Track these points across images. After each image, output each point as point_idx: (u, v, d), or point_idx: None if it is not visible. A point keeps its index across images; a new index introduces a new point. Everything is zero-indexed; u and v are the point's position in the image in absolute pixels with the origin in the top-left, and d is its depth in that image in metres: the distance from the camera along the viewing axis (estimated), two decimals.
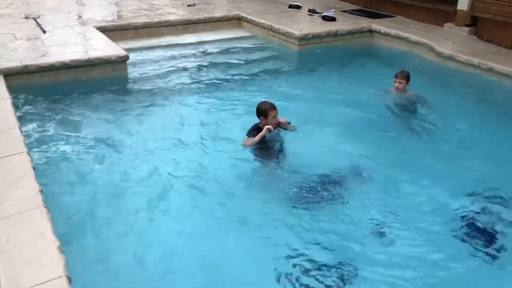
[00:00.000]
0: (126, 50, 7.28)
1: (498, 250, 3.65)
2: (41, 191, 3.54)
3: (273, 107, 4.78)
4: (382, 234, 3.80)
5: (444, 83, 7.04)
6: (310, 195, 4.21)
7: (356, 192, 4.31)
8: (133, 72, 7.13)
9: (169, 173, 4.50)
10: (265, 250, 3.60)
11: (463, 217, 4.03)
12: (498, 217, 4.03)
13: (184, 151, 4.95)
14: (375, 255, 3.57)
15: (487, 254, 3.60)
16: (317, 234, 3.75)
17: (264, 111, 4.77)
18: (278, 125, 4.90)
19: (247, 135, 4.91)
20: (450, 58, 7.42)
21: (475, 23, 8.37)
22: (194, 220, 3.92)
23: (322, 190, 4.28)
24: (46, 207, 3.33)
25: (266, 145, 4.81)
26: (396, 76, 6.07)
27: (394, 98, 6.15)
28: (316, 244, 3.64)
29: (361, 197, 4.25)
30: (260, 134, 4.72)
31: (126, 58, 6.80)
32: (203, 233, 3.76)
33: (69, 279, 2.69)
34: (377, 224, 3.90)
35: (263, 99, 5.07)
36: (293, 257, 3.50)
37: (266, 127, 4.70)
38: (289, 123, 5.04)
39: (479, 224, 3.94)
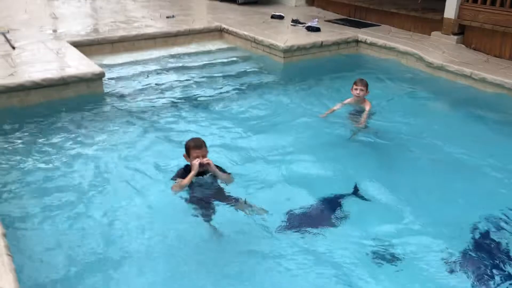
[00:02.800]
0: (102, 66, 6.92)
1: None
2: (4, 235, 3.11)
3: (197, 145, 3.91)
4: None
5: (437, 94, 6.82)
6: None
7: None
8: (109, 89, 6.71)
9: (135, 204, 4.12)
10: None
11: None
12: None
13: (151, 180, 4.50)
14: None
15: None
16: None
17: (186, 148, 3.98)
18: (201, 167, 3.91)
19: (172, 178, 4.07)
20: (440, 68, 7.19)
21: (462, 31, 8.18)
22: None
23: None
24: (9, 255, 2.91)
25: (198, 193, 3.99)
26: (356, 84, 5.79)
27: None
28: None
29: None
30: (189, 175, 3.85)
31: (102, 75, 6.39)
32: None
33: None
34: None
35: (245, 116, 4.63)
36: None
37: (194, 164, 3.84)
38: (221, 169, 4.07)
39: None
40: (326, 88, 7.05)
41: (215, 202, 3.95)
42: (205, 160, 3.88)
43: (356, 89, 5.75)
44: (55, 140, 5.23)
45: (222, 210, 3.91)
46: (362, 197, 4.33)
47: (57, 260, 3.45)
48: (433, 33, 8.56)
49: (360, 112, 5.83)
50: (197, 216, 3.87)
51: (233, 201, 3.96)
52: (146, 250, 3.59)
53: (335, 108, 5.94)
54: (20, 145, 5.07)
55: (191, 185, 3.92)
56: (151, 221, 3.89)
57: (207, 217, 3.87)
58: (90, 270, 3.37)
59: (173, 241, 3.69)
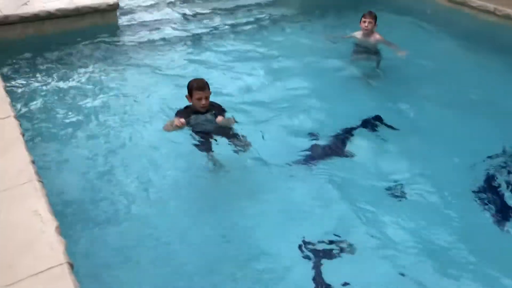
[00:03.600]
0: None
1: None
2: (33, 162, 3.19)
3: (199, 87, 3.80)
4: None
5: (456, 31, 6.63)
6: None
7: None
8: (123, 20, 6.60)
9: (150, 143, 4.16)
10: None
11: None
12: None
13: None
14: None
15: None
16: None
17: (189, 89, 3.87)
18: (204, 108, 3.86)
19: (175, 114, 3.95)
20: (462, 3, 6.96)
21: None
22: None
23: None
24: (40, 181, 3.00)
25: (199, 132, 3.95)
26: (364, 16, 5.61)
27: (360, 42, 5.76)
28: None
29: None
30: (174, 124, 3.74)
31: (116, 6, 6.28)
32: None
33: (71, 266, 2.41)
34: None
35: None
36: None
37: (175, 123, 3.73)
38: (223, 110, 3.97)
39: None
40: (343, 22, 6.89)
41: (216, 137, 3.96)
42: (205, 103, 3.80)
43: (364, 21, 5.58)
44: (68, 71, 5.26)
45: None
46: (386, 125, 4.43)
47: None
48: None
49: (367, 48, 5.69)
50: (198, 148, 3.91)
51: (233, 137, 3.98)
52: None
53: (345, 36, 5.89)
54: (38, 75, 5.10)
55: (190, 122, 3.87)
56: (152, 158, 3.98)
57: (207, 149, 3.91)
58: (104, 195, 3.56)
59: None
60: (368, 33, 5.62)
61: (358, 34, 5.73)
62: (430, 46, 6.30)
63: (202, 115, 3.89)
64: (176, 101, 4.33)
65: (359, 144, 4.20)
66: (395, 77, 5.44)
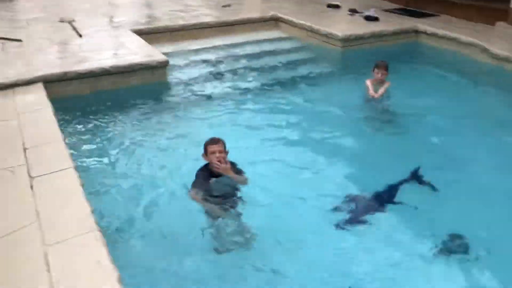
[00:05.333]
0: (163, 54, 7.05)
1: None
2: (92, 212, 3.28)
3: (213, 141, 3.82)
4: None
5: (502, 86, 6.62)
6: None
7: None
8: (171, 78, 6.88)
9: None
10: None
11: None
12: None
13: None
14: None
15: None
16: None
17: (204, 147, 3.87)
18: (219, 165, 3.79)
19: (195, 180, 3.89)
20: (507, 60, 6.96)
21: None
22: None
23: None
24: (100, 231, 3.07)
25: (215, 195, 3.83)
26: (378, 67, 5.94)
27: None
28: None
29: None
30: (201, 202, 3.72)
31: (166, 63, 6.55)
32: None
33: None
34: None
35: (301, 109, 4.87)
36: None
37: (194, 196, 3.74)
38: (237, 168, 3.93)
39: None
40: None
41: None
42: (222, 160, 3.75)
43: (378, 72, 5.92)
44: (120, 126, 5.44)
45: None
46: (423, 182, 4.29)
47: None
48: (497, 23, 8.27)
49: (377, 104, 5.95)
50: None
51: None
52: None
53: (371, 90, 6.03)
54: (94, 129, 5.31)
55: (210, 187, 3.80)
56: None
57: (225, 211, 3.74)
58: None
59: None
60: (381, 81, 5.96)
61: (372, 82, 6.03)
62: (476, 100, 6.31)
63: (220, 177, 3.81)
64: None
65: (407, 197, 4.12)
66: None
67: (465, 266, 3.32)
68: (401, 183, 4.28)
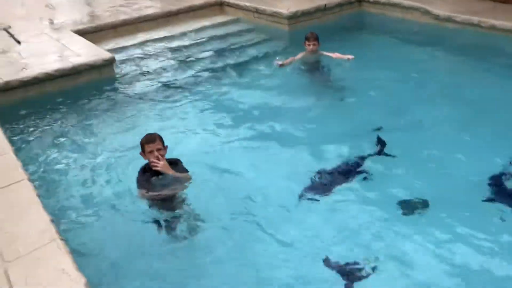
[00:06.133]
0: (109, 51, 6.87)
1: None
2: (52, 221, 3.18)
3: (148, 140, 3.73)
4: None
5: (447, 46, 6.80)
6: None
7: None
8: (119, 74, 6.70)
9: None
10: None
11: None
12: None
13: None
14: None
15: None
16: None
17: (141, 146, 3.78)
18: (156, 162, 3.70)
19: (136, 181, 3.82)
20: (448, 20, 7.14)
21: None
22: None
23: None
24: (62, 239, 2.99)
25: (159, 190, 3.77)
26: (308, 39, 6.20)
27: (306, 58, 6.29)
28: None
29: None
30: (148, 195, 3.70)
31: (112, 60, 6.40)
32: None
33: None
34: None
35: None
36: None
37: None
38: (182, 165, 3.85)
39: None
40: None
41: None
42: (156, 157, 3.66)
43: (309, 44, 6.18)
44: (71, 128, 5.31)
45: None
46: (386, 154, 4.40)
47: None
48: None
49: (317, 63, 6.21)
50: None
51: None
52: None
53: (289, 60, 6.30)
54: (44, 136, 5.15)
55: (152, 186, 3.74)
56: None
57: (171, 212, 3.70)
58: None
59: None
60: (314, 52, 6.21)
61: (306, 54, 6.26)
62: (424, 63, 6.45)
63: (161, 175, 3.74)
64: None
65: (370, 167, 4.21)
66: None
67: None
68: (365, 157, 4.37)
